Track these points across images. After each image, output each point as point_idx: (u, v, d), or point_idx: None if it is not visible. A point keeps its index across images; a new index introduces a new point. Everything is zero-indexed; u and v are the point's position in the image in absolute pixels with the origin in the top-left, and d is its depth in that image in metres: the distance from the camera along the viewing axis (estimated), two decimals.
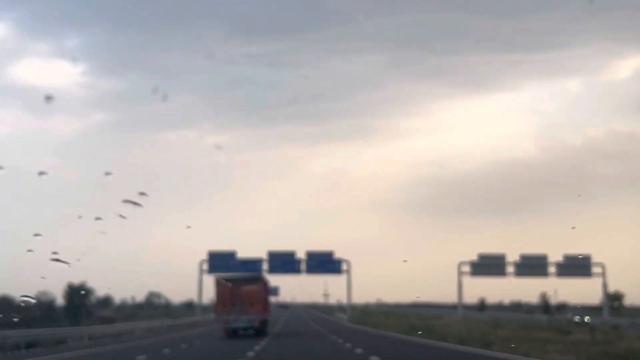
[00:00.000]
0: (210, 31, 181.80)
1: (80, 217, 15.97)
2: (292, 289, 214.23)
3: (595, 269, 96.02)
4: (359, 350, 33.37)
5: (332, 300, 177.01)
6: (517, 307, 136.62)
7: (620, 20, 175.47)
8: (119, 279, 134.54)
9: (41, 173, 13.10)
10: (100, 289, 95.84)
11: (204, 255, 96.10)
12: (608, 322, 75.18)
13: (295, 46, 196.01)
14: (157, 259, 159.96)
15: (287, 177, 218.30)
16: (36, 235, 14.91)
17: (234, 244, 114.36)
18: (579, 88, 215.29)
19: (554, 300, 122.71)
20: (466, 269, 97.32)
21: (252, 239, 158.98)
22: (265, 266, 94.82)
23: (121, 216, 14.10)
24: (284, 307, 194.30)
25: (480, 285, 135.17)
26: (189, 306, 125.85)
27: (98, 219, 14.51)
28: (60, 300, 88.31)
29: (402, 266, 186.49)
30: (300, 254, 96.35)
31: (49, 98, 13.05)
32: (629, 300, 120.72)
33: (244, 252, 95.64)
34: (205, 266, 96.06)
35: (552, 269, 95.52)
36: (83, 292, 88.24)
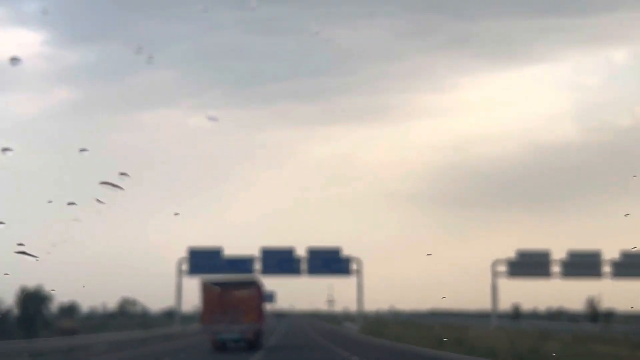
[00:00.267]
0: None
1: (50, 202, 15.54)
2: (291, 294, 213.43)
3: None
4: None
5: (338, 308, 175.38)
6: (554, 315, 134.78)
7: None
8: (88, 283, 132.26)
9: (5, 149, 12.78)
10: (64, 294, 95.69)
11: (184, 253, 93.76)
12: None
13: (294, 11, 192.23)
14: (133, 259, 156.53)
15: (284, 164, 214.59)
16: None
17: (221, 241, 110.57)
18: (626, 59, 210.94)
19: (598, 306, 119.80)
20: (502, 268, 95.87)
21: (242, 235, 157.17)
22: (257, 266, 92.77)
23: (98, 200, 14.17)
24: (281, 315, 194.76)
25: (512, 290, 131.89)
26: (169, 315, 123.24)
27: (71, 203, 14.73)
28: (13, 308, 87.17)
29: (417, 268, 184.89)
30: (301, 251, 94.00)
31: (14, 60, 10.38)
32: None
33: (232, 249, 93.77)
34: (185, 266, 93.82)
35: (606, 269, 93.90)
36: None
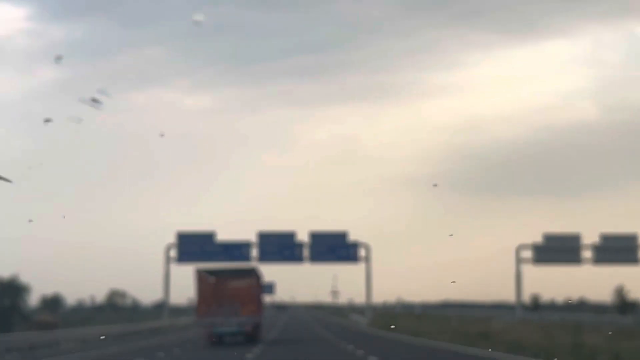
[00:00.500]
0: None
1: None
2: (291, 284, 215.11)
3: None
4: None
5: (343, 300, 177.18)
6: (575, 306, 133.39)
7: None
8: (73, 273, 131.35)
9: (47, 120, 13.90)
10: (48, 287, 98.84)
11: (172, 238, 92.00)
12: None
13: None
14: (122, 248, 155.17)
15: (283, 147, 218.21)
16: None
17: (215, 225, 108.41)
18: None
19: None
20: (527, 254, 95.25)
21: (238, 219, 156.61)
22: (255, 252, 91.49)
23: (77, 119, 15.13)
24: (281, 307, 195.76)
25: (531, 280, 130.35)
26: (160, 308, 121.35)
27: (48, 120, 15.61)
28: None
29: (428, 257, 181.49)
30: (302, 236, 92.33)
31: None
32: None
33: (226, 233, 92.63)
34: (173, 252, 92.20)
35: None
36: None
